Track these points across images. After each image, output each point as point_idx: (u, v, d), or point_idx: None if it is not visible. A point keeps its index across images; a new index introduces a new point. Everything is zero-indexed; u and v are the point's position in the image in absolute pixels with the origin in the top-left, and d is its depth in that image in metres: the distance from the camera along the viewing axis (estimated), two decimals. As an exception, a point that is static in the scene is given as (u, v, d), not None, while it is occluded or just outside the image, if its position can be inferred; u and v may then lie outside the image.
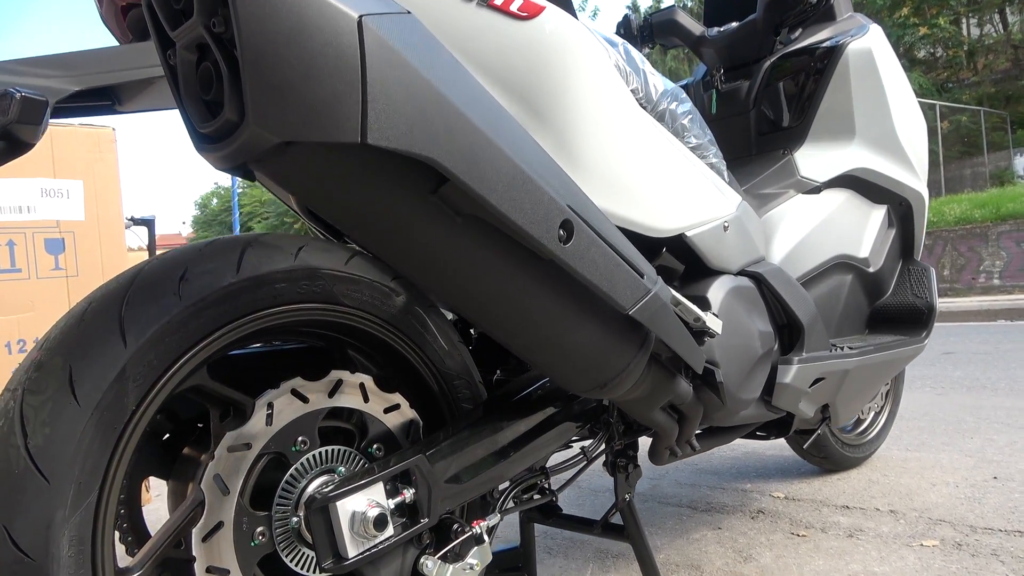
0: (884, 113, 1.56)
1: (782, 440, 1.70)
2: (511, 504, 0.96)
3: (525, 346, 0.77)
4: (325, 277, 0.79)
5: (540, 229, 0.65)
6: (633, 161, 0.92)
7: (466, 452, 0.82)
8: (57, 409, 0.63)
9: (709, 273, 1.10)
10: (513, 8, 0.76)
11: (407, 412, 0.86)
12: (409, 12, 0.59)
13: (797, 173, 1.52)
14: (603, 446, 1.07)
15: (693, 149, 1.14)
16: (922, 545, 1.38)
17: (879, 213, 1.62)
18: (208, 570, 0.69)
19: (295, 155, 0.56)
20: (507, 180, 0.62)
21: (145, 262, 0.73)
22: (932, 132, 20.24)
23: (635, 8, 18.49)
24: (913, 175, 1.63)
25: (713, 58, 1.71)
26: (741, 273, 1.16)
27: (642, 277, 0.77)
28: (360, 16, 0.53)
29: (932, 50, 20.36)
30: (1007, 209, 11.51)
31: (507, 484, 0.96)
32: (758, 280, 1.18)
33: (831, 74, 1.54)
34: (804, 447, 1.72)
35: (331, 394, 0.79)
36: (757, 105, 1.61)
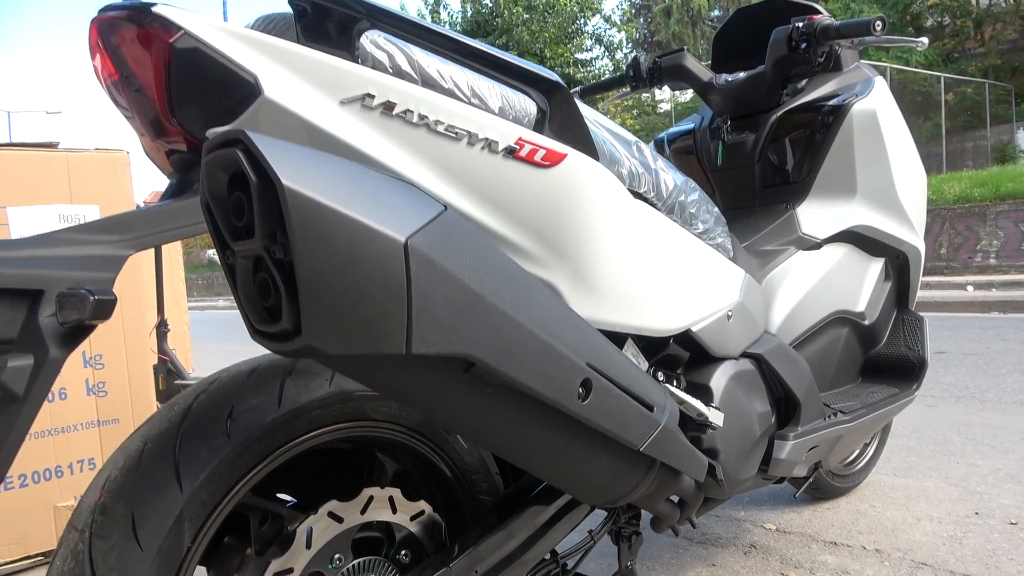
0: (885, 172, 1.60)
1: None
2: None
3: (544, 475, 0.83)
4: (357, 399, 0.85)
5: (562, 392, 0.71)
6: (644, 276, 0.97)
7: (486, 559, 0.89)
8: (123, 555, 0.69)
9: (712, 360, 1.16)
10: (537, 158, 0.81)
11: (432, 516, 0.93)
12: (445, 208, 0.64)
13: (799, 230, 1.57)
14: (608, 523, 1.15)
15: (701, 234, 1.19)
16: (904, 592, 1.47)
17: (877, 266, 1.68)
18: None
19: (344, 358, 0.61)
20: (534, 356, 0.68)
21: (194, 396, 0.79)
22: (936, 105, 20.02)
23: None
24: (911, 230, 1.68)
25: (720, 105, 1.74)
26: (743, 355, 1.22)
27: (652, 411, 0.83)
28: (406, 240, 0.58)
29: (940, 18, 20.14)
30: (1006, 189, 11.53)
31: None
32: (758, 360, 1.24)
33: (835, 133, 1.58)
34: (796, 495, 1.80)
35: (363, 511, 0.86)
36: (762, 159, 1.65)
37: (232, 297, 0.64)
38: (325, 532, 0.82)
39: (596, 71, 19.32)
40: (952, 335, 4.93)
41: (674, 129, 1.86)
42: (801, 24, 1.51)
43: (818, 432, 1.32)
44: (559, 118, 0.88)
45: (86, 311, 0.62)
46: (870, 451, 2.05)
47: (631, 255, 0.94)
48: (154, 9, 0.70)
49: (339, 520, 0.84)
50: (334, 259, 0.56)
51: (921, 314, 1.76)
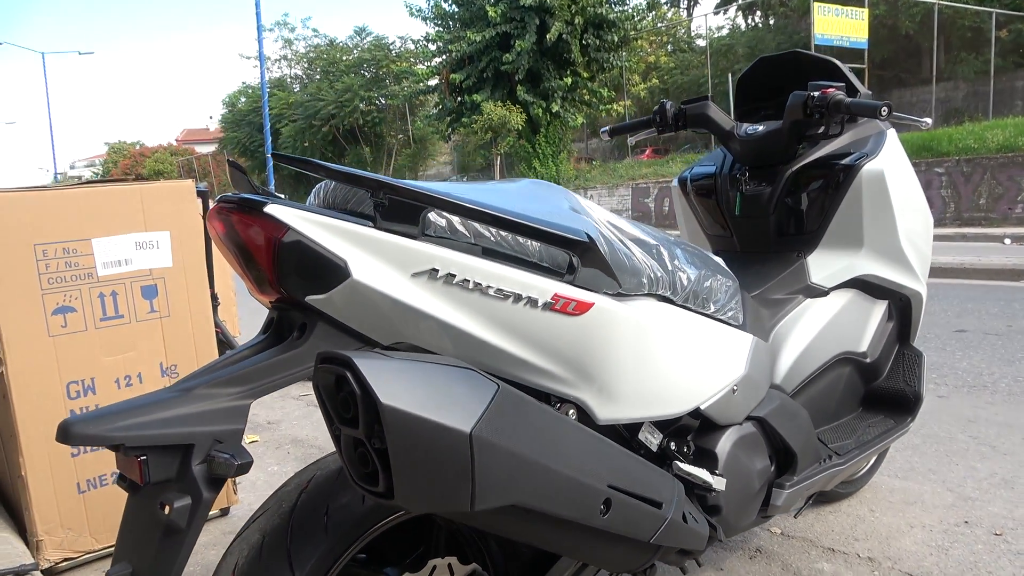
0: (891, 227, 1.73)
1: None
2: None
3: (573, 557, 1.04)
4: (422, 489, 1.06)
5: (588, 513, 0.91)
6: (657, 377, 1.15)
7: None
8: (252, 630, 0.92)
9: (718, 428, 1.34)
10: (569, 309, 0.99)
11: (480, 573, 1.15)
12: (498, 386, 0.83)
13: (808, 279, 1.72)
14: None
15: (714, 312, 1.36)
16: (888, 604, 1.68)
17: (880, 308, 1.83)
18: None
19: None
20: (565, 492, 0.87)
21: (297, 494, 1.00)
22: (986, 42, 19.20)
23: None
24: (914, 277, 1.82)
25: (740, 154, 1.87)
26: (747, 419, 1.41)
27: (660, 507, 1.03)
28: (470, 432, 0.77)
29: (997, -53, 19.24)
30: (1054, 137, 11.23)
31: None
32: (761, 421, 1.42)
33: (845, 191, 1.71)
34: (795, 517, 1.99)
35: (429, 576, 1.08)
36: (777, 210, 1.79)
37: None
38: (401, 598, 1.05)
39: (629, 10, 18.83)
40: (976, 308, 5.02)
41: (697, 170, 1.99)
42: (816, 95, 1.63)
43: (814, 477, 1.51)
44: (586, 260, 1.05)
45: (232, 470, 0.83)
46: (871, 459, 2.23)
47: (645, 364, 1.12)
48: (266, 210, 0.88)
49: (410, 588, 1.06)
50: (418, 450, 0.75)
51: (920, 350, 1.91)
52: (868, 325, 1.80)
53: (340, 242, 0.89)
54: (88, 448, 2.11)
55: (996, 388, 3.21)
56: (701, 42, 27.98)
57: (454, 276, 0.93)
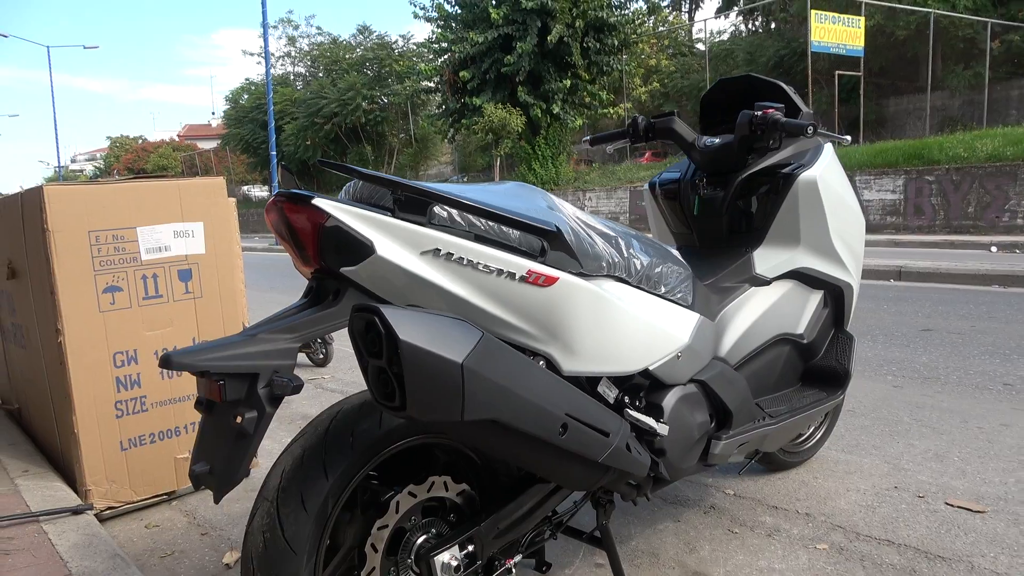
0: (823, 227, 2.04)
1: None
2: (530, 547, 1.56)
3: (537, 472, 1.34)
4: (423, 423, 1.36)
5: (549, 432, 1.21)
6: (612, 339, 1.46)
7: (503, 517, 1.42)
8: (296, 516, 1.22)
9: (664, 387, 1.65)
10: (539, 282, 1.29)
11: (470, 493, 1.45)
12: (483, 334, 1.13)
13: (753, 269, 2.03)
14: (589, 496, 1.67)
15: (665, 294, 1.67)
16: (816, 548, 1.98)
17: (816, 296, 2.13)
18: (368, 591, 1.31)
19: (427, 422, 1.12)
20: (533, 414, 1.18)
21: (330, 420, 1.31)
22: (979, 53, 19.42)
23: None
24: (845, 271, 2.12)
25: (699, 163, 2.18)
26: (690, 381, 1.71)
27: (608, 435, 1.33)
28: (462, 362, 1.07)
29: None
30: (1041, 148, 11.51)
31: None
32: (702, 384, 1.73)
33: (784, 195, 2.01)
34: (739, 473, 2.29)
35: (428, 490, 1.38)
36: (728, 212, 2.09)
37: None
38: (406, 503, 1.35)
39: (629, 14, 19.13)
40: (945, 311, 5.32)
41: (665, 175, 2.30)
42: (758, 115, 1.94)
43: (747, 433, 1.81)
44: (555, 245, 1.35)
45: (287, 390, 1.13)
46: (818, 434, 2.54)
47: (602, 328, 1.43)
48: (313, 202, 1.18)
49: (414, 496, 1.36)
50: (424, 373, 1.06)
51: (851, 333, 2.22)
52: (805, 311, 2.11)
53: (367, 227, 1.20)
54: (130, 410, 2.42)
55: (947, 380, 3.52)
56: (702, 46, 28.33)
57: (452, 255, 1.24)
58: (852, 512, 2.18)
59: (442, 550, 1.34)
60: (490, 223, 1.30)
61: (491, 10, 17.85)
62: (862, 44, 17.48)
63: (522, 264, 1.29)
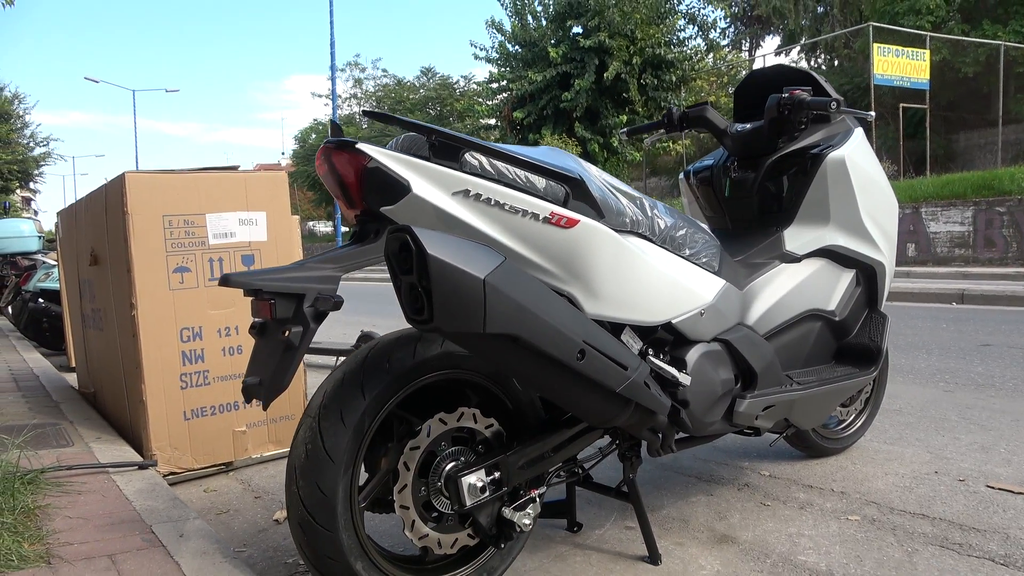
0: (852, 206, 2.09)
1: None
2: (554, 480, 1.64)
3: (560, 402, 1.43)
4: (456, 357, 1.47)
5: (567, 355, 1.30)
6: (635, 287, 1.54)
7: (528, 452, 1.51)
8: (335, 429, 1.34)
9: (688, 342, 1.72)
10: (561, 223, 1.40)
11: (498, 428, 1.55)
12: (505, 258, 1.24)
13: (783, 247, 2.09)
14: (615, 446, 1.74)
15: (689, 257, 1.75)
16: (847, 519, 1.99)
17: (848, 275, 2.17)
18: (400, 506, 1.41)
19: (454, 333, 1.23)
20: (552, 336, 1.27)
21: (368, 350, 1.43)
22: (1054, 85, 18.35)
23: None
24: (876, 250, 2.16)
25: (732, 148, 2.26)
26: (714, 340, 1.78)
27: (626, 369, 1.41)
28: (484, 277, 1.18)
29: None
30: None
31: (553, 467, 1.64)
32: (726, 343, 1.79)
33: (813, 175, 2.08)
34: (783, 439, 2.31)
35: (458, 419, 1.49)
36: (759, 193, 2.16)
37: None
38: (437, 429, 1.45)
39: (687, 51, 19.30)
40: (1007, 329, 5.17)
41: (699, 164, 2.39)
42: (786, 96, 2.02)
43: (772, 395, 1.85)
44: (578, 195, 1.46)
45: (330, 305, 1.27)
46: (858, 422, 2.54)
47: (623, 274, 1.52)
48: (357, 146, 1.33)
49: (444, 423, 1.47)
50: (450, 286, 1.17)
51: (885, 313, 2.24)
52: (836, 288, 2.14)
53: (404, 168, 1.33)
54: (194, 383, 2.60)
55: (1002, 387, 3.43)
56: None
57: (480, 195, 1.36)
58: (888, 491, 2.17)
59: (469, 472, 1.44)
60: (517, 172, 1.42)
61: (550, 49, 18.27)
62: (927, 76, 17.17)
63: (545, 206, 1.40)
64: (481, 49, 20.30)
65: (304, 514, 1.33)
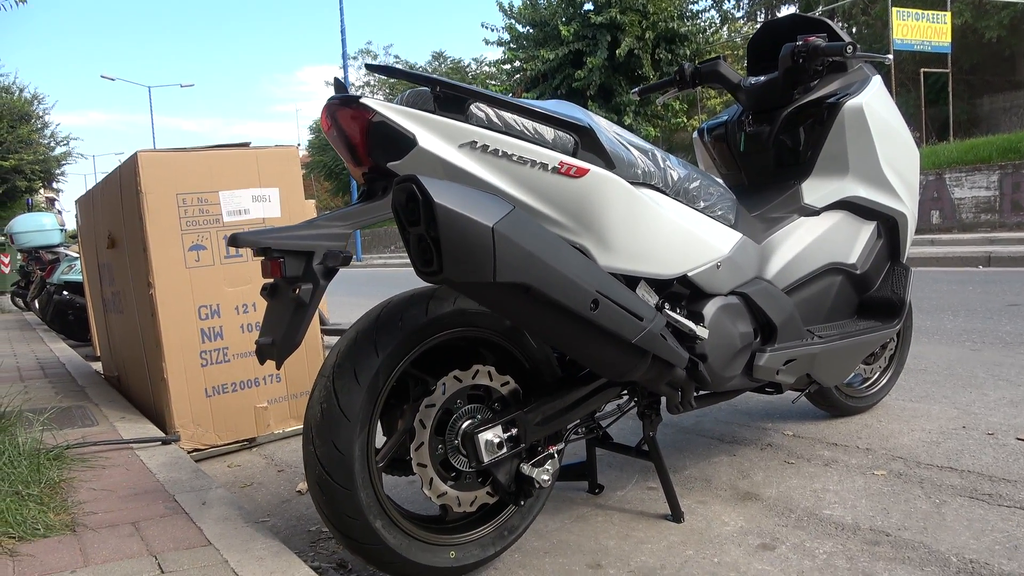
0: (872, 154, 2.04)
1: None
2: (572, 437, 1.63)
3: (576, 356, 1.41)
4: (470, 314, 1.46)
5: (581, 306, 1.28)
6: (648, 239, 1.52)
7: (545, 409, 1.49)
8: (350, 389, 1.33)
9: (705, 296, 1.69)
10: (571, 173, 1.38)
11: (514, 385, 1.53)
12: (514, 207, 1.22)
13: (801, 200, 2.04)
14: (633, 404, 1.72)
15: (704, 209, 1.71)
16: (873, 474, 1.96)
17: (869, 227, 2.12)
18: (418, 464, 1.40)
19: (464, 284, 1.21)
20: (564, 286, 1.25)
21: (380, 309, 1.42)
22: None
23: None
24: (898, 200, 2.11)
25: (746, 102, 2.21)
26: (731, 293, 1.74)
27: (641, 320, 1.39)
28: (492, 226, 1.16)
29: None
30: None
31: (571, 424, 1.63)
32: (744, 296, 1.76)
33: (831, 125, 2.03)
34: (805, 397, 2.28)
35: (474, 377, 1.47)
36: (775, 146, 2.12)
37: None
38: (452, 387, 1.44)
39: (701, 24, 19.03)
40: (1036, 289, 5.06)
41: (712, 121, 2.34)
42: (800, 43, 1.97)
43: (792, 349, 1.82)
44: (587, 146, 1.43)
45: (339, 261, 1.25)
46: (883, 380, 2.50)
47: (636, 226, 1.49)
48: (361, 100, 1.31)
49: (460, 381, 1.45)
50: (458, 235, 1.15)
51: (909, 266, 2.19)
52: (857, 241, 2.10)
53: (410, 122, 1.31)
54: (214, 360, 2.61)
55: (1032, 344, 3.36)
56: (778, 55, 27.72)
57: (488, 146, 1.33)
58: (915, 447, 2.13)
59: (486, 428, 1.43)
60: (525, 123, 1.39)
61: (561, 27, 18.08)
62: (949, 40, 16.79)
63: (554, 156, 1.38)
64: (492, 30, 20.17)
65: (322, 472, 1.33)
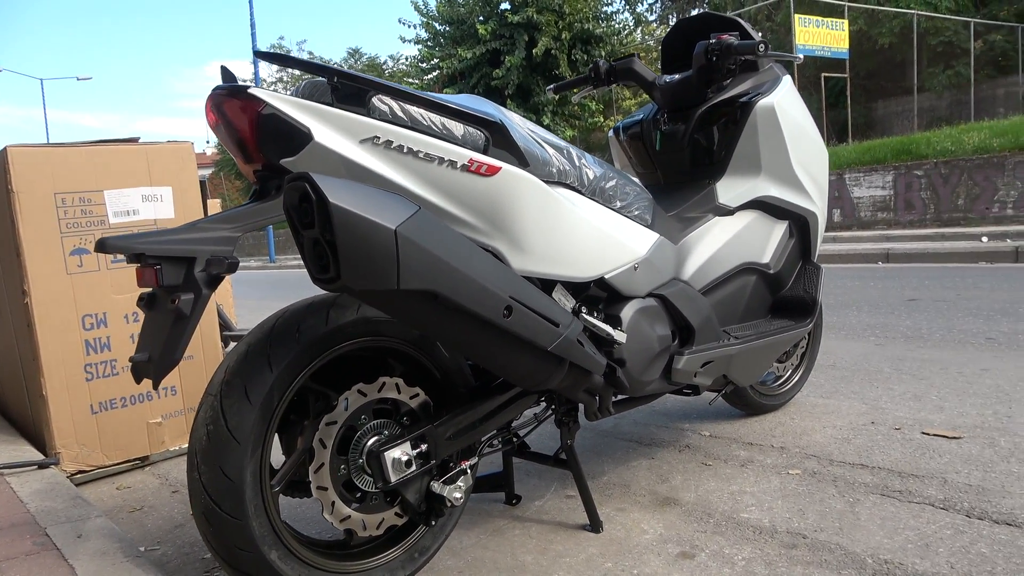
0: (784, 154, 2.04)
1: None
2: (486, 450, 1.55)
3: (490, 366, 1.33)
4: (375, 322, 1.35)
5: (493, 312, 1.20)
6: (563, 241, 1.45)
7: (457, 421, 1.40)
8: (240, 406, 1.21)
9: (623, 298, 1.64)
10: (482, 171, 1.29)
11: (424, 398, 1.44)
12: (419, 208, 1.13)
13: (716, 199, 2.03)
14: (550, 412, 1.65)
15: (620, 209, 1.66)
16: (788, 473, 1.96)
17: (781, 227, 2.13)
18: (318, 487, 1.29)
19: (365, 292, 1.11)
20: (474, 292, 1.16)
21: (276, 319, 1.30)
22: (965, 52, 19.73)
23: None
24: (808, 199, 2.12)
25: (661, 101, 2.19)
26: (649, 295, 1.70)
27: (557, 326, 1.32)
28: (395, 228, 1.06)
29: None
30: (1026, 139, 11.59)
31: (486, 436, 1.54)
32: (662, 298, 1.72)
33: (744, 125, 2.02)
34: (721, 397, 2.28)
35: (379, 390, 1.37)
36: (690, 145, 2.09)
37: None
38: (356, 401, 1.33)
39: (616, 26, 19.34)
40: (931, 284, 5.32)
41: (628, 120, 2.31)
42: (713, 41, 1.95)
43: (710, 351, 1.80)
44: (499, 142, 1.35)
45: (224, 268, 1.13)
46: (795, 377, 2.53)
47: (551, 227, 1.42)
48: (249, 91, 1.18)
49: (364, 395, 1.34)
50: (357, 239, 1.05)
51: (819, 264, 2.21)
52: (770, 241, 2.10)
53: (304, 115, 1.20)
54: (100, 373, 2.40)
55: (930, 338, 3.50)
56: (689, 58, 28.46)
57: (392, 142, 1.23)
58: (827, 444, 2.16)
59: (394, 445, 1.33)
60: (432, 118, 1.30)
61: (479, 26, 18.01)
62: (847, 46, 17.63)
63: (463, 153, 1.29)
64: (410, 27, 19.90)
65: (208, 502, 1.20)
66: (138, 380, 1.20)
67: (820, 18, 17.57)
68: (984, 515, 1.61)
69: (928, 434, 2.16)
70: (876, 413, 2.41)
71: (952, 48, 20.22)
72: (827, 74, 17.97)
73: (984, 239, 10.24)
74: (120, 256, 2.44)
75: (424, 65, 20.46)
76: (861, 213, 13.16)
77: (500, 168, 1.32)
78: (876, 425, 2.29)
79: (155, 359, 1.15)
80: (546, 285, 1.49)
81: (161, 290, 1.15)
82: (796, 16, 17.07)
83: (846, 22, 17.86)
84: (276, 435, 1.34)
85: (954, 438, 2.11)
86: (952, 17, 19.78)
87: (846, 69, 17.88)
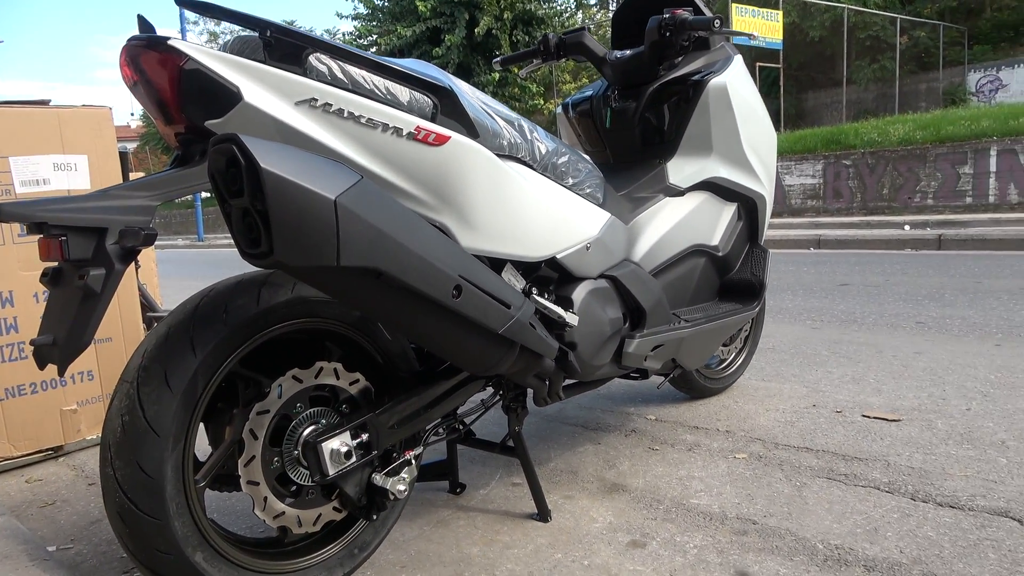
0: (734, 136, 2.01)
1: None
2: (432, 439, 1.47)
3: (436, 350, 1.24)
4: (311, 302, 1.25)
5: (441, 293, 1.11)
6: (513, 217, 1.37)
7: (401, 409, 1.32)
8: (159, 394, 1.09)
9: (574, 279, 1.57)
10: (429, 140, 1.20)
11: (365, 384, 1.34)
12: (361, 177, 1.03)
13: (667, 180, 1.98)
14: (498, 397, 1.58)
15: (572, 186, 1.59)
16: (735, 457, 1.94)
17: (730, 209, 2.10)
18: (248, 482, 1.18)
19: (300, 269, 1.00)
20: (421, 270, 1.08)
21: (200, 298, 1.18)
22: (891, 47, 20.40)
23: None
24: (757, 181, 2.10)
25: (611, 77, 2.12)
26: (601, 276, 1.64)
27: (509, 307, 1.24)
28: (335, 198, 0.97)
29: (897, -44, 20.50)
30: (946, 132, 12.10)
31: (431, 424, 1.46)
32: (613, 280, 1.66)
33: (695, 104, 1.97)
34: (668, 381, 2.25)
35: (316, 376, 1.27)
36: (641, 123, 2.04)
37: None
38: (290, 388, 1.23)
39: (557, 7, 19.28)
40: (861, 270, 5.46)
41: (577, 96, 2.23)
42: (667, 16, 1.89)
43: (661, 334, 1.76)
44: (447, 110, 1.26)
45: (139, 240, 1.00)
46: (738, 361, 2.52)
47: (502, 202, 1.34)
48: (169, 42, 1.06)
49: (300, 381, 1.24)
50: (292, 210, 0.94)
51: (767, 247, 2.20)
52: (719, 223, 2.07)
53: (232, 72, 1.08)
54: (7, 357, 2.21)
55: (863, 321, 3.58)
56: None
57: (331, 106, 1.13)
58: (771, 427, 2.15)
59: (332, 436, 1.23)
60: (376, 81, 1.19)
61: (419, 3, 17.66)
62: (780, 37, 18.01)
63: (410, 120, 1.19)
64: (348, 0, 19.37)
65: (124, 501, 1.08)
66: (41, 366, 1.07)
67: (756, 8, 17.89)
68: (928, 498, 1.61)
69: (869, 416, 2.18)
70: (817, 396, 2.43)
71: (879, 43, 20.93)
72: (762, 64, 18.35)
73: (906, 227, 10.64)
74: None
75: (362, 41, 19.97)
76: (792, 200, 13.51)
77: (449, 138, 1.23)
78: (818, 408, 2.30)
79: (60, 342, 1.03)
80: (495, 264, 1.41)
81: (67, 264, 1.03)
82: (733, 5, 17.34)
83: (781, 13, 18.24)
84: (201, 425, 1.23)
85: (894, 420, 2.13)
86: (880, 12, 20.45)
87: (780, 60, 18.30)
